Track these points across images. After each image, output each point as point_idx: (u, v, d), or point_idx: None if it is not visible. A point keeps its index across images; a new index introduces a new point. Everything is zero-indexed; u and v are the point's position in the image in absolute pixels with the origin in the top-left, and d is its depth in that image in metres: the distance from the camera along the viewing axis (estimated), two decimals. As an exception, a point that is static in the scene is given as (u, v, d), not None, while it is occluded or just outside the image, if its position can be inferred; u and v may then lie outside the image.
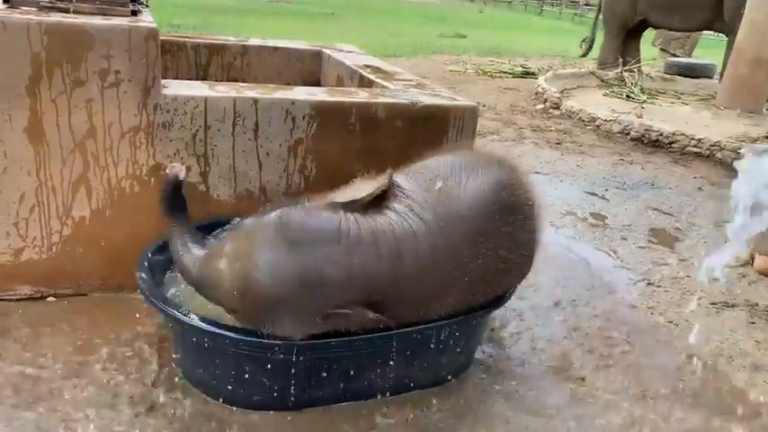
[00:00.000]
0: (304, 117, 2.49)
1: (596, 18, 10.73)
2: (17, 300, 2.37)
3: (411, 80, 3.23)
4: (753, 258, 3.48)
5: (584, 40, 11.10)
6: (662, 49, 12.57)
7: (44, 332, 2.22)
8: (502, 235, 1.95)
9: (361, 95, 2.70)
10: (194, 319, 1.85)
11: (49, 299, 2.41)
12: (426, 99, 2.74)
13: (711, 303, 3.03)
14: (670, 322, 2.82)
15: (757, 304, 3.07)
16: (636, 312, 2.88)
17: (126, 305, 2.36)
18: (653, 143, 5.87)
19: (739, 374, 2.49)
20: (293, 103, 2.47)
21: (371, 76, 3.18)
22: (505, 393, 2.20)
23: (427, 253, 1.83)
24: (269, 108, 2.44)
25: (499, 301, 2.14)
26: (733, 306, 3.02)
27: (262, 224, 1.82)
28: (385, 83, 3.04)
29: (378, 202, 1.89)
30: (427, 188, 1.93)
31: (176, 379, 2.06)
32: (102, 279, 2.46)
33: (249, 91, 2.50)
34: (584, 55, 11.12)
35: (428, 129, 2.68)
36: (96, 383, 2.01)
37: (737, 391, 2.38)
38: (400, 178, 1.99)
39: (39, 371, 2.03)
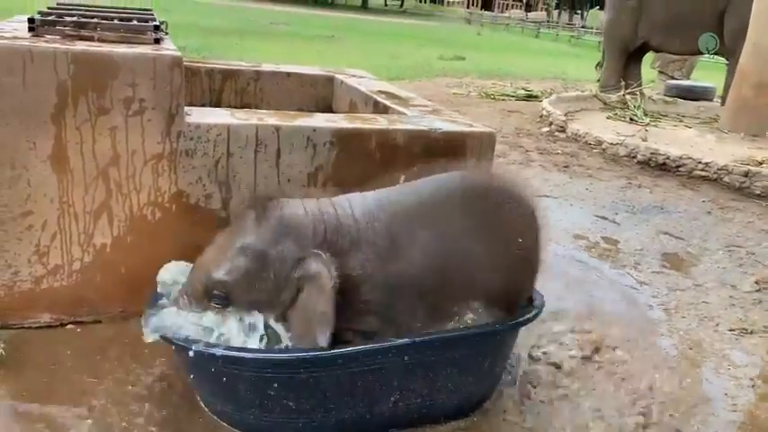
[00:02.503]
0: (325, 144, 2.50)
1: None
2: (37, 327, 2.34)
3: (426, 106, 3.24)
4: (768, 284, 3.47)
5: (598, 64, 11.08)
6: (660, 72, 12.66)
7: (63, 360, 2.20)
8: None
9: (381, 122, 2.70)
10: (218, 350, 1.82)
11: (68, 326, 2.38)
12: (444, 126, 2.74)
13: (730, 330, 3.01)
14: (690, 349, 2.81)
15: (776, 330, 3.05)
16: (656, 340, 2.86)
17: (145, 332, 2.34)
18: (660, 166, 5.88)
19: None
20: (314, 130, 2.48)
21: (387, 102, 3.19)
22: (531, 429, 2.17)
23: None
24: (290, 135, 2.44)
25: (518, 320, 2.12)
26: (752, 333, 3.01)
27: None
28: (401, 109, 3.05)
29: None
30: None
31: (197, 407, 2.04)
32: (121, 306, 2.44)
33: (270, 118, 2.51)
34: (600, 79, 11.05)
35: (446, 155, 2.67)
36: (115, 410, 1.98)
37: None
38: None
39: (56, 400, 2.01)
